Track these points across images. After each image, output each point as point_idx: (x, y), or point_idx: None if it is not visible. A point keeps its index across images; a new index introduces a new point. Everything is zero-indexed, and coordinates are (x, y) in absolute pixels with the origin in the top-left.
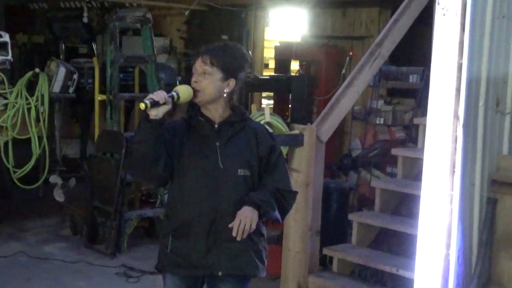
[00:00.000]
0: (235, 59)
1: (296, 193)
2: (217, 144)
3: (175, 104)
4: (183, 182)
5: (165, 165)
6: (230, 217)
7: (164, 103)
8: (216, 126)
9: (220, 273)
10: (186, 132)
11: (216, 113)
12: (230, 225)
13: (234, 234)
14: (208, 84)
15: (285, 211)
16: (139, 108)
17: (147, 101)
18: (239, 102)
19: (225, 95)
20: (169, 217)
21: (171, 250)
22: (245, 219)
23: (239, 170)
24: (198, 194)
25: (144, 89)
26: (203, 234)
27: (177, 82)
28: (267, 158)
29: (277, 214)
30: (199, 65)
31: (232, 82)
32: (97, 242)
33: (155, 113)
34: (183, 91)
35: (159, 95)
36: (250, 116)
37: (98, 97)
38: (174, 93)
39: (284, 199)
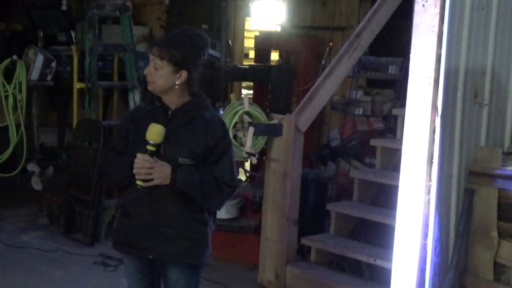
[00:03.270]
0: (186, 52)
1: (234, 188)
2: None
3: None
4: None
5: None
6: (168, 203)
7: None
8: (169, 113)
9: (150, 256)
10: (144, 116)
11: (171, 101)
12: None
13: (135, 170)
14: (158, 78)
15: (218, 201)
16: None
17: (141, 182)
18: (223, 91)
19: (176, 86)
20: (120, 194)
21: (116, 226)
22: (155, 172)
23: (180, 159)
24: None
25: (123, 78)
26: (141, 217)
27: None
28: (212, 149)
29: (196, 199)
30: (151, 57)
31: (184, 74)
32: (75, 231)
33: None
34: (157, 137)
35: (144, 167)
36: (229, 105)
37: (77, 85)
38: (152, 148)
39: (219, 189)
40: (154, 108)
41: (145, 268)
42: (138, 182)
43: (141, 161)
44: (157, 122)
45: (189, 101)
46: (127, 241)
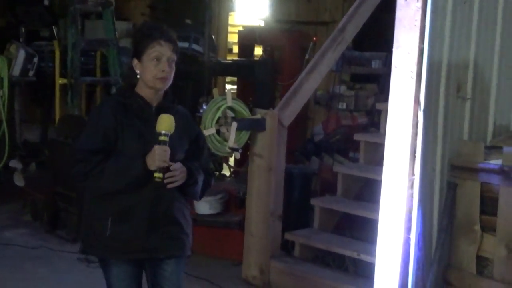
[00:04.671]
0: None
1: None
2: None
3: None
4: None
5: None
6: (169, 202)
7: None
8: (153, 110)
9: (162, 256)
10: (123, 113)
11: (154, 98)
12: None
13: (157, 163)
14: (172, 74)
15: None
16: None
17: (160, 174)
18: (207, 86)
19: None
20: (105, 201)
21: (110, 234)
22: (177, 174)
23: (177, 156)
24: (139, 180)
25: (106, 73)
26: (144, 220)
27: None
28: (196, 142)
29: (197, 191)
30: (168, 52)
31: None
32: (59, 227)
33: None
34: (170, 126)
35: (164, 156)
36: (212, 100)
37: (59, 80)
38: (166, 138)
39: (207, 179)
40: (136, 104)
41: (135, 270)
42: (157, 175)
43: (162, 153)
44: (145, 121)
45: (166, 98)
46: (129, 248)
